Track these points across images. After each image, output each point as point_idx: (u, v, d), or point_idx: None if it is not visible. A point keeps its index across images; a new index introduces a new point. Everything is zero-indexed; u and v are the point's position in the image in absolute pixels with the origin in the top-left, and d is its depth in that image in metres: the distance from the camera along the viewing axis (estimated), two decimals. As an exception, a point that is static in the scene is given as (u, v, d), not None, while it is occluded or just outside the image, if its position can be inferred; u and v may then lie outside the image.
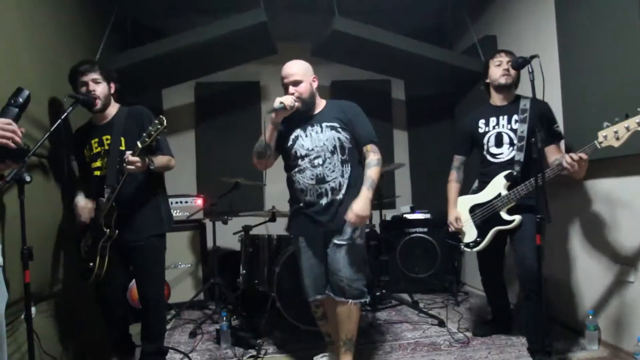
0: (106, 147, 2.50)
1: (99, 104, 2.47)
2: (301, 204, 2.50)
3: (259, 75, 5.07)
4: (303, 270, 2.61)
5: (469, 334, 3.17)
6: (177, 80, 4.54)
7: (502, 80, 2.74)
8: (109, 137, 2.51)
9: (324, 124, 2.48)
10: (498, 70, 2.77)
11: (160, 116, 2.28)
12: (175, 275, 4.14)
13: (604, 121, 2.27)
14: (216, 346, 3.16)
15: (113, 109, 2.60)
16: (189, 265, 4.22)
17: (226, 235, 4.08)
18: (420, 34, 4.24)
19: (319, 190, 2.44)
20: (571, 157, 2.35)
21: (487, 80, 2.88)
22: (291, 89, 2.46)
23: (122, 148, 2.48)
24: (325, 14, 3.85)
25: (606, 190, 2.80)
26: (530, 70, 2.31)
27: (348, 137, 2.47)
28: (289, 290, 3.20)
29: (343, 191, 2.45)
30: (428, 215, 4.57)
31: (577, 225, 3.00)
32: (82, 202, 2.51)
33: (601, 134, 2.28)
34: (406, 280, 4.34)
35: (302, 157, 2.45)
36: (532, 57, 2.33)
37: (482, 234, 2.80)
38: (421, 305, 3.89)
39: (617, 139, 2.24)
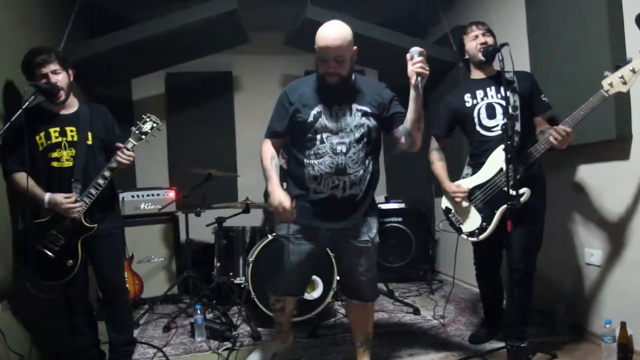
0: (69, 139, 2.40)
1: (62, 95, 2.38)
2: (310, 192, 2.17)
3: (231, 65, 5.01)
4: (287, 264, 2.27)
5: (443, 321, 3.21)
6: (147, 70, 4.44)
7: (482, 57, 2.57)
8: (73, 128, 2.42)
9: (354, 106, 2.15)
10: (474, 43, 2.60)
11: (150, 114, 2.41)
12: (148, 269, 4.06)
13: (573, 108, 2.24)
14: (191, 340, 3.11)
15: (73, 101, 2.51)
16: (162, 258, 4.15)
17: (199, 227, 4.02)
18: (394, 24, 4.24)
19: (336, 181, 2.12)
20: (556, 131, 2.26)
21: (466, 57, 2.71)
22: (333, 66, 2.05)
23: (89, 142, 2.44)
24: (298, 2, 3.81)
25: (575, 176, 2.86)
26: (501, 59, 2.33)
27: (377, 125, 2.18)
28: (264, 281, 3.17)
29: (363, 187, 2.17)
30: (402, 205, 4.60)
31: (548, 210, 3.05)
32: (61, 197, 2.30)
33: (606, 82, 2.16)
34: (381, 269, 4.32)
35: (323, 140, 2.11)
36: (502, 45, 2.36)
37: (487, 218, 2.53)
38: (396, 294, 3.92)
39: (625, 83, 2.13)
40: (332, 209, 2.16)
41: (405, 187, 5.03)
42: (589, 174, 2.76)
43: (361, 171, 2.14)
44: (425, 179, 4.65)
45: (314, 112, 2.13)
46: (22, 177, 2.33)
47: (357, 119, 2.13)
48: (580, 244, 2.85)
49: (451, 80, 4.18)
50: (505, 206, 2.38)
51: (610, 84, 2.16)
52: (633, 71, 2.11)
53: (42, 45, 2.42)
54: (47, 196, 2.33)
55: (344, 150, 2.11)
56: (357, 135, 2.13)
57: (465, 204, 2.61)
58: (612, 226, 2.60)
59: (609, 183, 2.62)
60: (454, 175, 2.77)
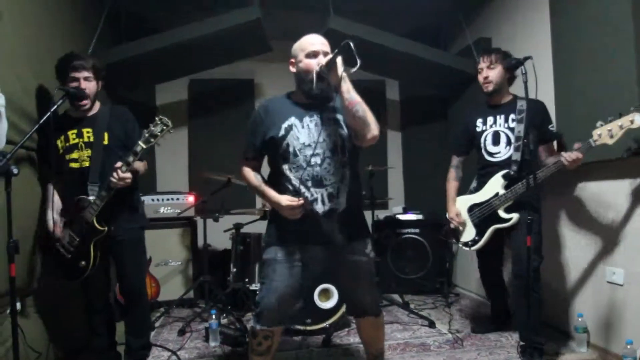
0: (86, 140, 2.46)
1: (88, 103, 2.45)
2: None
3: (253, 73, 5.07)
4: (270, 288, 2.08)
5: (459, 335, 3.16)
6: (171, 76, 4.52)
7: (484, 89, 2.83)
8: (90, 130, 2.48)
9: (325, 115, 2.09)
10: (480, 78, 2.84)
11: (162, 117, 2.33)
12: (165, 273, 4.11)
13: (596, 120, 2.32)
14: (205, 344, 3.13)
15: (95, 104, 2.58)
16: (179, 262, 4.19)
17: (217, 232, 4.06)
18: (416, 35, 4.24)
19: (314, 194, 2.04)
20: (570, 156, 2.43)
21: None
22: (322, 58, 2.02)
23: (105, 143, 2.48)
24: (321, 12, 3.84)
25: (595, 193, 2.81)
26: (524, 72, 2.31)
27: (350, 134, 2.09)
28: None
29: (343, 200, 2.08)
30: (420, 216, 4.57)
31: (567, 228, 3.01)
32: (51, 223, 2.41)
33: (595, 133, 2.35)
34: (397, 281, 4.33)
35: (296, 153, 2.05)
36: (526, 58, 2.35)
37: (480, 233, 2.84)
38: (412, 306, 3.88)
39: (611, 136, 2.31)
40: (315, 226, 2.06)
41: (423, 199, 5.00)
42: (611, 190, 2.70)
43: (338, 182, 2.06)
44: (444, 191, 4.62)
45: (284, 125, 2.07)
46: (49, 190, 2.43)
47: (329, 127, 2.07)
48: (601, 262, 2.78)
49: (473, 93, 4.15)
50: (495, 226, 2.78)
51: (599, 135, 2.35)
52: (621, 127, 2.29)
53: (82, 53, 2.52)
54: (48, 215, 2.41)
55: (318, 161, 2.04)
56: (331, 144, 2.06)
57: (461, 219, 2.95)
58: (634, 244, 2.54)
59: (632, 200, 2.56)
60: (466, 182, 2.99)
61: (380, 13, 4.43)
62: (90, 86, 2.44)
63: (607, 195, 2.73)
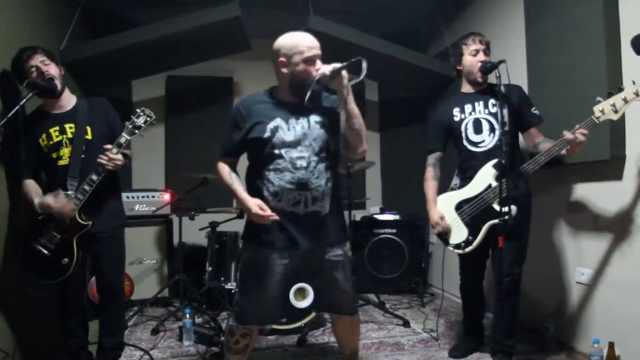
0: (69, 136, 2.40)
1: (58, 84, 2.38)
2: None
3: (232, 71, 5.03)
4: (248, 287, 2.11)
5: (433, 334, 3.20)
6: (148, 72, 4.45)
7: (479, 79, 2.60)
8: (72, 125, 2.42)
9: (312, 118, 2.07)
10: (474, 60, 2.59)
11: (144, 108, 2.36)
12: (139, 271, 4.05)
13: (569, 124, 2.25)
14: (178, 343, 3.10)
15: (71, 98, 2.51)
16: (154, 261, 4.14)
17: (193, 231, 4.02)
18: (396, 37, 4.27)
19: (297, 197, 2.02)
20: (573, 134, 2.21)
21: (460, 68, 2.69)
22: (319, 64, 2.00)
23: (88, 137, 2.43)
24: (301, 12, 3.84)
25: (568, 195, 2.87)
26: (498, 75, 2.34)
27: (335, 136, 2.11)
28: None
29: (326, 203, 2.08)
30: (397, 217, 4.62)
31: (538, 228, 3.05)
32: (51, 200, 2.26)
33: (597, 109, 2.18)
34: (374, 280, 4.35)
35: (281, 155, 2.01)
36: (500, 62, 2.37)
37: (473, 232, 2.57)
38: (387, 305, 3.91)
39: (615, 111, 2.15)
40: (294, 227, 2.05)
41: (400, 199, 5.03)
42: (582, 193, 2.77)
43: (323, 185, 2.05)
44: (422, 191, 4.67)
45: (270, 126, 2.02)
46: (26, 184, 2.35)
47: (316, 131, 2.05)
48: (571, 262, 2.85)
49: (450, 95, 4.19)
50: (491, 222, 2.47)
51: (602, 111, 2.18)
52: (625, 100, 2.14)
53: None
54: (37, 201, 2.30)
55: (304, 164, 2.01)
56: (317, 148, 2.04)
57: (446, 224, 2.65)
58: (603, 246, 2.60)
59: (602, 203, 2.63)
60: (444, 183, 2.81)
61: (360, 14, 4.45)
62: (51, 69, 2.36)
63: (580, 196, 2.80)
